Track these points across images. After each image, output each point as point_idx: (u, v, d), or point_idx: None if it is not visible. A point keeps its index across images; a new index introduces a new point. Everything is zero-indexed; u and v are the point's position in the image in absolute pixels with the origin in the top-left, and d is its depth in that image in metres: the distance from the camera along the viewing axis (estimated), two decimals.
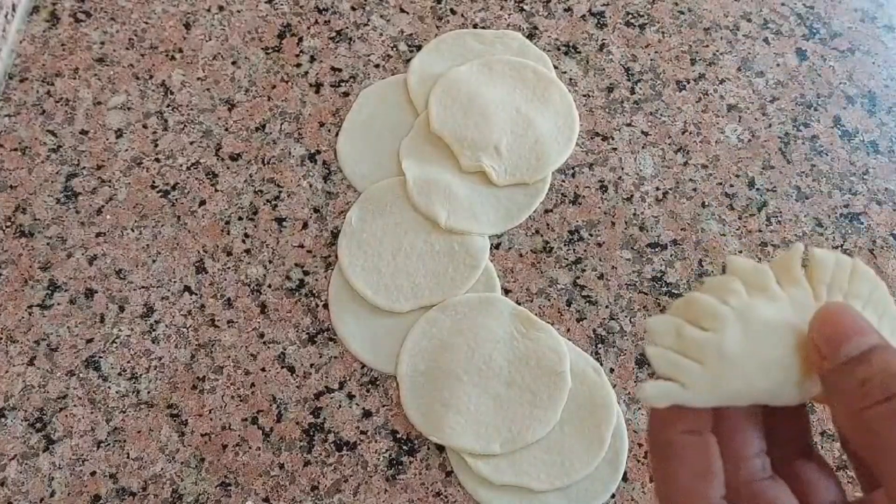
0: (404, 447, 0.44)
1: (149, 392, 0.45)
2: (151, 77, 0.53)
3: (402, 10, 0.56)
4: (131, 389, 0.45)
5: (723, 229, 0.49)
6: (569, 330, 0.47)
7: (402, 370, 0.45)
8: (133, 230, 0.49)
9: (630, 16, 0.56)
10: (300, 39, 0.55)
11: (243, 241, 0.49)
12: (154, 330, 0.46)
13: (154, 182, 0.50)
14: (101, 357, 0.45)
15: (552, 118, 0.52)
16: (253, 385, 0.45)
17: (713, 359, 0.22)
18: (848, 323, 0.21)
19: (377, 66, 0.54)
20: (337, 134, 0.52)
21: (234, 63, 0.54)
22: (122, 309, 0.47)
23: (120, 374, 0.45)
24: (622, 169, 0.51)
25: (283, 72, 0.54)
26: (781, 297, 0.23)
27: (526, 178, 0.50)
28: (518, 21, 0.56)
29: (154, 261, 0.48)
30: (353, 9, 0.56)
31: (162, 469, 0.43)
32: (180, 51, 0.54)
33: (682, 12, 0.57)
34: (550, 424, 0.43)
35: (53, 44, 0.54)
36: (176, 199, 0.50)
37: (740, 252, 0.49)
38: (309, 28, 0.55)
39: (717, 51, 0.55)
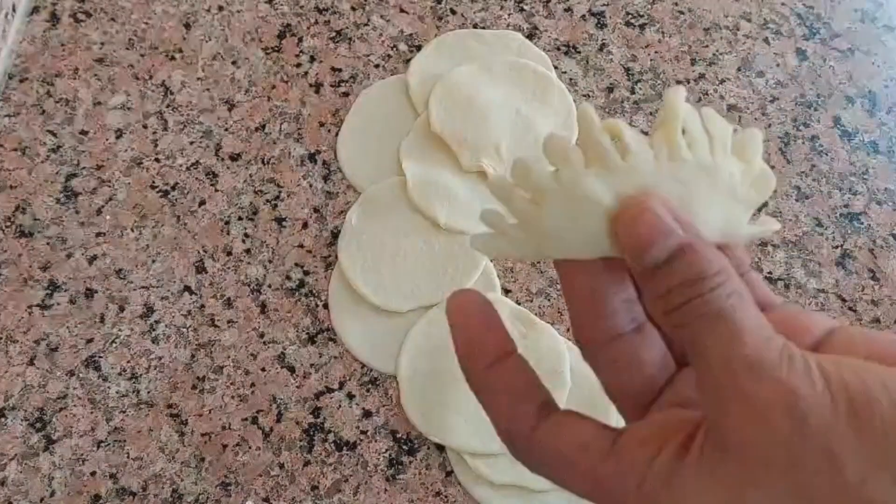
0: (404, 447, 0.44)
1: (149, 392, 0.45)
2: (151, 77, 0.53)
3: (402, 10, 0.56)
4: (131, 389, 0.45)
5: None
6: (569, 330, 0.47)
7: (402, 370, 0.45)
8: (133, 230, 0.49)
9: (630, 16, 0.57)
10: (300, 39, 0.55)
11: (243, 241, 0.49)
12: (154, 330, 0.46)
13: (154, 182, 0.50)
14: (101, 357, 0.45)
15: (552, 118, 0.52)
16: (253, 385, 0.45)
17: (533, 229, 0.21)
18: (648, 226, 0.20)
19: (377, 66, 0.54)
20: (337, 134, 0.52)
21: (234, 63, 0.54)
22: (122, 309, 0.47)
23: (120, 374, 0.45)
24: None
25: (283, 72, 0.54)
26: (615, 168, 0.21)
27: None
28: (518, 21, 0.56)
29: (154, 261, 0.48)
30: (353, 9, 0.56)
31: (162, 469, 0.43)
32: (180, 51, 0.54)
33: (682, 12, 0.57)
34: None
35: (53, 44, 0.54)
36: (176, 199, 0.50)
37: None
38: (309, 28, 0.55)
39: (717, 51, 0.55)
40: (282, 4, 0.56)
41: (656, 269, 0.20)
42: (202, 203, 0.50)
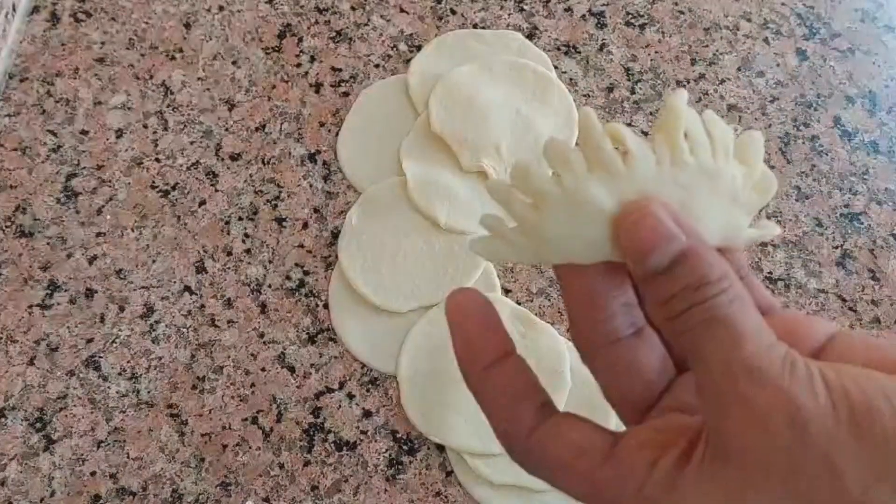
0: (404, 447, 0.44)
1: (149, 392, 0.45)
2: (151, 77, 0.53)
3: (402, 10, 0.56)
4: (131, 389, 0.45)
5: None
6: (569, 330, 0.47)
7: (402, 370, 0.45)
8: (133, 230, 0.49)
9: (630, 16, 0.57)
10: (300, 39, 0.55)
11: (243, 241, 0.49)
12: (154, 330, 0.46)
13: (154, 182, 0.50)
14: (101, 357, 0.45)
15: (552, 118, 0.52)
16: (253, 385, 0.45)
17: (533, 234, 0.21)
18: (650, 231, 0.20)
19: (377, 66, 0.54)
20: (337, 134, 0.52)
21: (234, 63, 0.54)
22: (122, 309, 0.47)
23: (120, 374, 0.45)
24: None
25: (283, 72, 0.54)
26: (618, 173, 0.21)
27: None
28: (518, 21, 0.56)
29: (154, 261, 0.48)
30: (353, 9, 0.56)
31: (162, 469, 0.43)
32: (180, 51, 0.54)
33: (682, 12, 0.57)
34: None
35: (53, 44, 0.54)
36: (176, 199, 0.50)
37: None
38: (309, 28, 0.55)
39: (717, 51, 0.55)
40: (282, 4, 0.56)
41: (658, 275, 0.20)
42: (202, 203, 0.50)
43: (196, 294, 0.47)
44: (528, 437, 0.21)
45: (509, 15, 0.56)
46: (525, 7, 0.56)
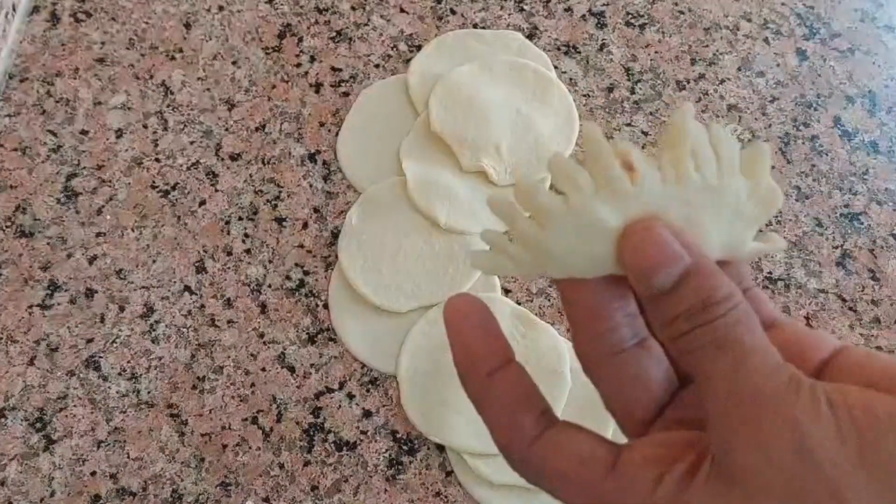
0: (404, 447, 0.44)
1: (149, 392, 0.45)
2: (151, 77, 0.53)
3: (402, 10, 0.56)
4: (131, 389, 0.45)
5: None
6: (569, 330, 0.47)
7: (402, 370, 0.45)
8: (133, 230, 0.49)
9: (630, 16, 0.56)
10: (300, 39, 0.55)
11: (243, 241, 0.49)
12: (154, 330, 0.46)
13: (154, 182, 0.50)
14: (101, 357, 0.45)
15: (552, 118, 0.52)
16: (253, 385, 0.45)
17: (536, 250, 0.21)
18: (653, 252, 0.20)
19: (377, 66, 0.54)
20: (337, 134, 0.52)
21: (234, 63, 0.54)
22: (122, 309, 0.47)
23: (120, 374, 0.45)
24: None
25: (283, 72, 0.54)
26: (625, 193, 0.21)
27: (523, 179, 0.50)
28: (518, 21, 0.56)
29: (154, 261, 0.48)
30: (353, 9, 0.56)
31: (162, 469, 0.43)
32: (180, 51, 0.54)
33: (682, 12, 0.57)
34: None
35: (53, 44, 0.54)
36: (176, 199, 0.50)
37: None
38: (309, 28, 0.55)
39: (717, 51, 0.55)
40: (282, 4, 0.56)
41: (662, 295, 0.20)
42: (202, 203, 0.50)
43: (196, 294, 0.47)
44: (530, 446, 0.21)
45: (509, 15, 0.56)
46: (525, 7, 0.56)
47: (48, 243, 0.48)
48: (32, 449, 0.43)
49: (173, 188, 0.50)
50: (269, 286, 0.48)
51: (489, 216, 0.52)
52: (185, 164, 0.51)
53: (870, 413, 0.18)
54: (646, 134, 0.52)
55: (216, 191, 0.50)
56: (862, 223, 0.50)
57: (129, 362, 0.45)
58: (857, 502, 0.18)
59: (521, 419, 0.22)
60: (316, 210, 0.50)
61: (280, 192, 0.50)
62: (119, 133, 0.52)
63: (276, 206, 0.50)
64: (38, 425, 0.44)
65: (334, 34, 0.55)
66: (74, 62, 0.54)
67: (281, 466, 0.43)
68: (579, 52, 0.55)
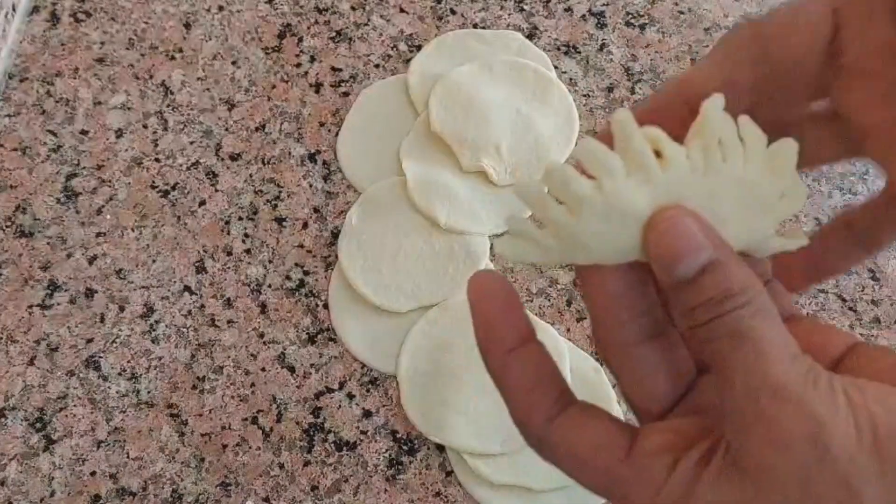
0: (404, 447, 0.44)
1: (149, 392, 0.45)
2: (151, 77, 0.53)
3: (402, 10, 0.56)
4: (131, 389, 0.45)
5: None
6: (569, 330, 0.47)
7: (402, 370, 0.45)
8: (133, 230, 0.49)
9: (630, 16, 0.57)
10: (300, 39, 0.55)
11: (243, 241, 0.49)
12: (154, 330, 0.46)
13: (154, 182, 0.50)
14: (101, 357, 0.45)
15: (552, 118, 0.52)
16: (253, 385, 0.45)
17: (565, 237, 0.21)
18: (679, 240, 0.20)
19: (377, 66, 0.54)
20: (337, 134, 0.52)
21: (234, 63, 0.54)
22: (122, 309, 0.47)
23: (120, 374, 0.45)
24: None
25: (283, 72, 0.54)
26: (656, 178, 0.21)
27: (526, 177, 0.50)
28: (518, 21, 0.56)
29: (154, 261, 0.48)
30: (353, 9, 0.56)
31: (162, 469, 0.43)
32: (180, 51, 0.54)
33: (682, 12, 0.57)
34: None
35: (53, 44, 0.54)
36: (176, 199, 0.50)
37: None
38: (309, 28, 0.55)
39: None
40: (282, 4, 0.56)
41: (684, 284, 0.20)
42: (202, 203, 0.50)
43: (196, 294, 0.47)
44: (547, 425, 0.21)
45: (509, 15, 0.56)
46: (525, 7, 0.56)
47: (48, 243, 0.48)
48: (32, 449, 0.43)
49: (173, 188, 0.50)
50: (269, 286, 0.48)
51: (489, 216, 0.52)
52: (185, 164, 0.51)
53: (887, 408, 0.18)
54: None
55: (216, 191, 0.50)
56: None
57: (129, 362, 0.45)
58: (870, 497, 0.18)
59: (541, 397, 0.22)
60: (316, 210, 0.50)
61: (280, 192, 0.50)
62: (119, 133, 0.52)
63: (276, 206, 0.50)
64: (38, 425, 0.44)
65: (334, 34, 0.55)
66: (74, 62, 0.54)
67: (281, 466, 0.43)
68: (579, 52, 0.55)
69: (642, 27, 0.56)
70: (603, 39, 0.56)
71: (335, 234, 0.49)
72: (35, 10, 0.55)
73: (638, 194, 0.21)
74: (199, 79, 0.53)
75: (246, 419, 0.44)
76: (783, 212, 0.22)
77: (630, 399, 0.23)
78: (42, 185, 0.50)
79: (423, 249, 0.48)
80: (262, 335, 0.46)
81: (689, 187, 0.21)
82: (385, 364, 0.46)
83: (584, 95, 0.53)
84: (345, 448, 0.44)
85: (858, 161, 0.51)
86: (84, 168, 0.50)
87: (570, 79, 0.54)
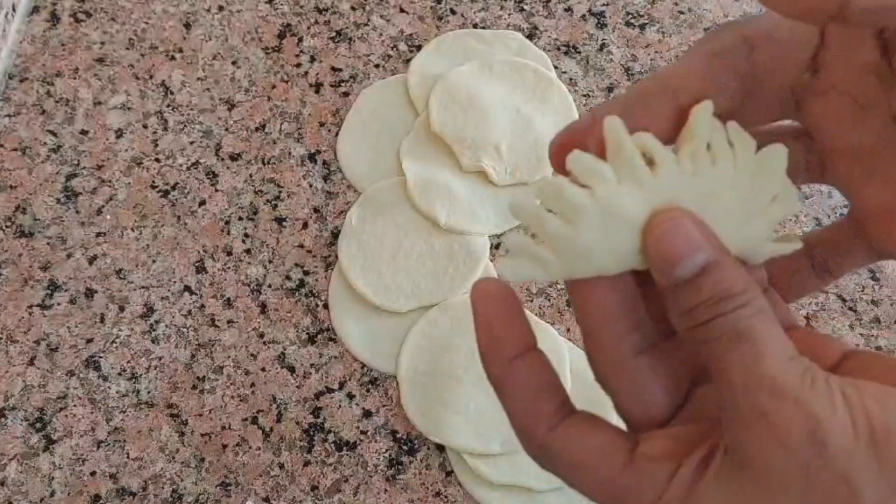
0: (404, 447, 0.44)
1: (149, 392, 0.45)
2: (151, 77, 0.53)
3: (402, 10, 0.56)
4: (131, 389, 0.45)
5: None
6: (569, 330, 0.47)
7: (402, 370, 0.45)
8: (133, 230, 0.49)
9: (630, 16, 0.57)
10: (300, 39, 0.55)
11: (243, 241, 0.49)
12: (154, 330, 0.46)
13: (154, 182, 0.50)
14: (101, 357, 0.46)
15: (552, 118, 0.52)
16: (253, 385, 0.45)
17: (565, 249, 0.21)
18: (678, 241, 0.20)
19: (377, 66, 0.54)
20: (337, 134, 0.52)
21: (234, 63, 0.54)
22: (122, 309, 0.47)
23: (120, 374, 0.45)
24: None
25: (283, 72, 0.54)
26: (648, 184, 0.21)
27: (526, 178, 0.50)
28: (518, 21, 0.56)
29: (154, 261, 0.48)
30: (353, 9, 0.56)
31: (162, 469, 0.43)
32: (180, 51, 0.54)
33: (682, 12, 0.57)
34: None
35: (53, 44, 0.54)
36: (176, 199, 0.50)
37: None
38: (309, 28, 0.55)
39: None
40: (282, 4, 0.56)
41: (682, 285, 0.20)
42: (202, 203, 0.50)
43: (196, 294, 0.47)
44: (547, 435, 0.21)
45: (509, 15, 0.56)
46: (525, 7, 0.56)
47: (48, 243, 0.48)
48: (32, 449, 0.43)
49: (173, 188, 0.50)
50: (269, 286, 0.48)
51: (489, 216, 0.52)
52: (185, 164, 0.51)
53: (883, 406, 0.18)
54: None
55: (216, 191, 0.50)
56: None
57: (129, 362, 0.45)
58: (869, 493, 0.18)
59: (541, 406, 0.22)
60: (316, 210, 0.50)
61: (280, 192, 0.50)
62: (119, 133, 0.52)
63: (276, 206, 0.50)
64: (38, 425, 0.44)
65: (334, 34, 0.55)
66: (74, 62, 0.54)
67: (281, 466, 0.43)
68: (579, 52, 0.55)
69: (642, 27, 0.56)
70: (603, 39, 0.56)
71: (335, 234, 0.49)
72: (35, 10, 0.55)
73: (631, 200, 0.21)
74: (199, 79, 0.53)
75: (246, 419, 0.44)
76: (775, 216, 0.22)
77: (627, 414, 0.23)
78: (42, 185, 0.50)
79: (423, 249, 0.48)
80: (262, 335, 0.46)
81: (680, 192, 0.21)
82: (385, 364, 0.46)
83: (584, 95, 0.53)
84: (345, 448, 0.44)
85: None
86: (84, 168, 0.50)
87: (570, 79, 0.54)
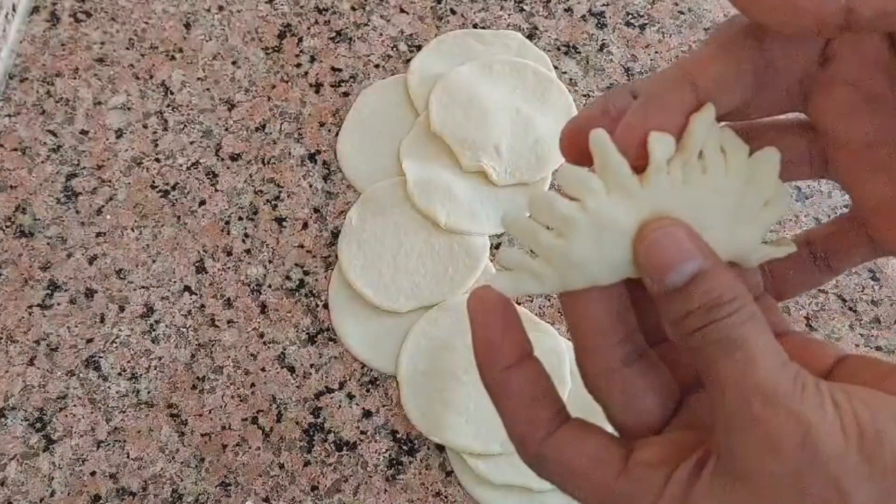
0: (404, 447, 0.44)
1: (149, 392, 0.45)
2: (151, 77, 0.53)
3: (402, 10, 0.56)
4: (131, 389, 0.45)
5: None
6: (569, 330, 0.47)
7: (402, 370, 0.45)
8: (133, 230, 0.49)
9: (630, 16, 0.57)
10: (300, 39, 0.55)
11: (243, 241, 0.49)
12: (154, 330, 0.46)
13: (154, 182, 0.50)
14: (101, 357, 0.46)
15: (552, 118, 0.52)
16: (253, 385, 0.45)
17: (559, 262, 0.22)
18: (669, 249, 0.21)
19: (377, 66, 0.54)
20: (337, 134, 0.52)
21: (234, 63, 0.54)
22: (122, 309, 0.47)
23: (120, 374, 0.45)
24: None
25: (283, 72, 0.54)
26: (636, 194, 0.21)
27: (526, 178, 0.50)
28: (518, 21, 0.56)
29: (154, 261, 0.48)
30: (353, 9, 0.56)
31: (162, 469, 0.43)
32: (180, 51, 0.54)
33: (682, 12, 0.57)
34: None
35: (53, 44, 0.54)
36: (176, 199, 0.50)
37: None
38: (309, 28, 0.55)
39: None
40: (282, 4, 0.56)
41: (674, 293, 0.20)
42: (202, 203, 0.50)
43: (196, 294, 0.47)
44: (543, 442, 0.22)
45: (509, 15, 0.56)
46: (525, 7, 0.56)
47: (48, 243, 0.48)
48: (32, 449, 0.43)
49: (173, 188, 0.50)
50: (269, 286, 0.48)
51: (489, 216, 0.52)
52: (185, 164, 0.51)
53: (872, 411, 0.19)
54: None
55: (216, 191, 0.50)
56: None
57: (129, 362, 0.46)
58: (859, 497, 0.18)
59: (537, 414, 0.22)
60: (316, 210, 0.50)
61: (280, 192, 0.50)
62: (119, 133, 0.52)
63: (276, 206, 0.50)
64: (38, 425, 0.44)
65: (334, 34, 0.55)
66: (74, 62, 0.54)
67: (281, 466, 0.43)
68: (579, 52, 0.55)
69: (642, 27, 0.56)
70: (603, 39, 0.56)
71: (335, 234, 0.49)
72: (35, 10, 0.55)
73: (621, 209, 0.21)
74: (199, 79, 0.53)
75: (246, 419, 0.44)
76: (767, 220, 0.23)
77: (620, 424, 0.23)
78: (42, 185, 0.50)
79: (423, 249, 0.48)
80: (262, 335, 0.46)
81: (670, 200, 0.21)
82: (385, 364, 0.46)
83: (584, 95, 0.53)
84: (345, 448, 0.44)
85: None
86: (84, 168, 0.50)
87: (570, 79, 0.54)
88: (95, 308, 0.47)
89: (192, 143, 0.51)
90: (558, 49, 0.55)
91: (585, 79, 0.54)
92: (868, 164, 0.23)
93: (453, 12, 0.56)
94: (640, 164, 0.22)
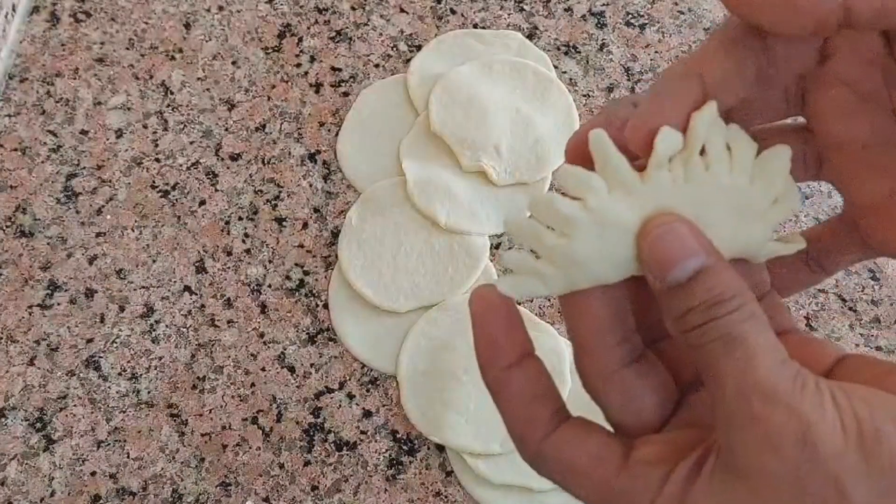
0: (404, 447, 0.44)
1: (149, 392, 0.45)
2: (151, 77, 0.53)
3: (402, 10, 0.56)
4: (131, 389, 0.45)
5: None
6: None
7: (402, 370, 0.45)
8: (133, 230, 0.49)
9: (630, 16, 0.57)
10: (300, 39, 0.55)
11: (243, 241, 0.49)
12: (154, 330, 0.46)
13: (154, 182, 0.50)
14: (101, 357, 0.46)
15: (552, 118, 0.52)
16: (253, 385, 0.45)
17: (564, 262, 0.22)
18: (672, 246, 0.21)
19: (377, 66, 0.54)
20: (337, 134, 0.52)
21: (234, 63, 0.54)
22: (122, 309, 0.47)
23: (120, 374, 0.45)
24: None
25: (283, 72, 0.54)
26: (637, 191, 0.21)
27: (526, 178, 0.50)
28: (518, 21, 0.56)
29: (154, 261, 0.48)
30: (353, 9, 0.56)
31: (162, 469, 0.43)
32: (180, 51, 0.54)
33: (682, 12, 0.57)
34: None
35: (53, 44, 0.54)
36: (176, 199, 0.50)
37: None
38: (309, 28, 0.55)
39: None
40: (282, 4, 0.56)
41: (676, 289, 0.21)
42: (202, 203, 0.50)
43: (196, 294, 0.47)
44: (543, 441, 0.22)
45: (509, 15, 0.56)
46: (525, 7, 0.56)
47: (48, 243, 0.48)
48: (32, 449, 0.43)
49: (173, 188, 0.50)
50: (269, 286, 0.48)
51: (489, 215, 0.52)
52: (185, 164, 0.51)
53: (872, 409, 0.19)
54: None
55: (216, 191, 0.50)
56: None
57: (129, 362, 0.45)
58: (858, 495, 0.18)
59: (538, 413, 0.22)
60: (316, 210, 0.50)
61: (280, 192, 0.50)
62: (119, 133, 0.52)
63: (276, 206, 0.50)
64: (38, 425, 0.44)
65: (334, 34, 0.55)
66: (74, 62, 0.54)
67: (281, 466, 0.43)
68: (579, 52, 0.55)
69: (642, 27, 0.56)
70: (603, 39, 0.56)
71: (335, 234, 0.49)
72: (35, 10, 0.55)
73: (623, 207, 0.21)
74: (199, 79, 0.53)
75: (246, 419, 0.44)
76: (776, 217, 0.23)
77: (619, 423, 0.23)
78: (42, 185, 0.50)
79: (422, 249, 0.48)
80: (262, 335, 0.46)
81: (672, 197, 0.21)
82: (385, 364, 0.46)
83: (584, 95, 0.53)
84: (345, 448, 0.44)
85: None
86: (84, 168, 0.50)
87: (570, 79, 0.54)
88: (95, 308, 0.47)
89: (192, 143, 0.51)
90: (558, 49, 0.55)
91: (585, 79, 0.54)
92: (863, 164, 0.23)
93: (453, 12, 0.56)
94: (643, 163, 0.22)
